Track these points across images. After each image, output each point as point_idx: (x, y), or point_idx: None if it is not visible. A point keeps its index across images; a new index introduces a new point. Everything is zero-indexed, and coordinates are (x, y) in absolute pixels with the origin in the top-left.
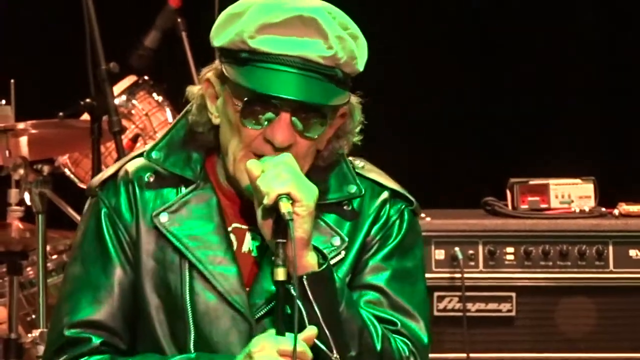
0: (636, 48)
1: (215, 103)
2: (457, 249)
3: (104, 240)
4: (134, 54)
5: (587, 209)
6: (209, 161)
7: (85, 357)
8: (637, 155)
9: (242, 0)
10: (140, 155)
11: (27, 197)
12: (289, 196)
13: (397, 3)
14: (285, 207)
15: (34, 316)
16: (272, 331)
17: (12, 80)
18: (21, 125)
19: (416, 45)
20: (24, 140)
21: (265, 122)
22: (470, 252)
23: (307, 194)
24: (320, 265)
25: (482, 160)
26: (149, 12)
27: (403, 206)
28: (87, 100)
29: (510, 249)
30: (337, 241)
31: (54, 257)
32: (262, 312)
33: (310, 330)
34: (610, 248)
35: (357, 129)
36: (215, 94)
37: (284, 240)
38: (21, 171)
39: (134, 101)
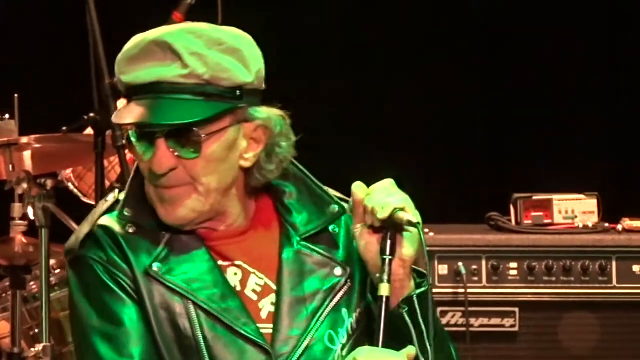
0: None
1: None
2: (460, 264)
3: (110, 288)
4: None
5: (590, 225)
6: None
7: None
8: None
9: None
10: (108, 211)
11: (30, 211)
12: (403, 210)
13: (402, 17)
14: (406, 215)
15: (37, 330)
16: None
17: (16, 95)
18: (25, 140)
19: (421, 62)
20: (27, 154)
21: (149, 155)
22: (474, 267)
23: (418, 213)
24: (418, 285)
25: (485, 175)
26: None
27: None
28: (91, 114)
29: (513, 264)
30: (338, 271)
31: (57, 271)
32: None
33: (410, 349)
34: (614, 263)
35: (287, 142)
36: None
37: (391, 257)
38: (25, 185)
39: None
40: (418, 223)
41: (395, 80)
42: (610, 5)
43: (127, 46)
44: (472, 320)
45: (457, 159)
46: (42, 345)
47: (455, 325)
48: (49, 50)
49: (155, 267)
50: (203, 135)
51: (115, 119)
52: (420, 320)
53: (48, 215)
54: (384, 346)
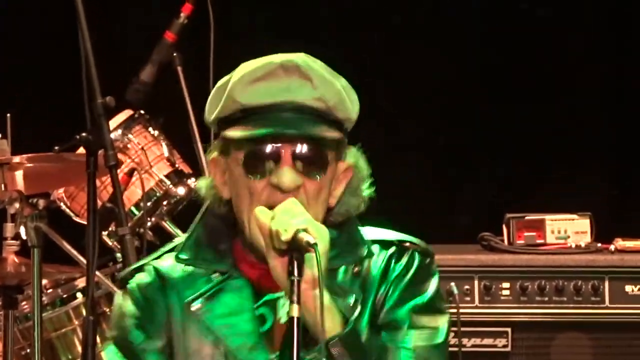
0: (637, 83)
1: (223, 179)
2: (452, 284)
3: (142, 322)
4: (130, 88)
5: (583, 245)
6: (237, 245)
7: None
8: (633, 191)
9: (226, 76)
10: (168, 252)
11: (22, 231)
12: (306, 231)
13: (408, 33)
14: (306, 236)
15: (29, 350)
16: None
17: (8, 114)
18: (17, 159)
19: (411, 76)
20: (19, 174)
21: (269, 170)
22: (466, 287)
23: (322, 233)
24: (343, 327)
25: (478, 195)
26: (145, 46)
27: (411, 251)
28: (83, 134)
29: (506, 284)
30: (351, 299)
31: (50, 291)
32: None
33: None
34: (606, 284)
35: (367, 182)
36: (222, 170)
37: (299, 278)
38: (17, 205)
39: (129, 135)
40: (315, 244)
41: (389, 99)
42: (611, 25)
43: (247, 69)
44: (465, 340)
45: (450, 179)
46: None
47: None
48: (41, 69)
49: (196, 305)
50: (330, 158)
51: (255, 132)
52: None
53: (40, 235)
54: None
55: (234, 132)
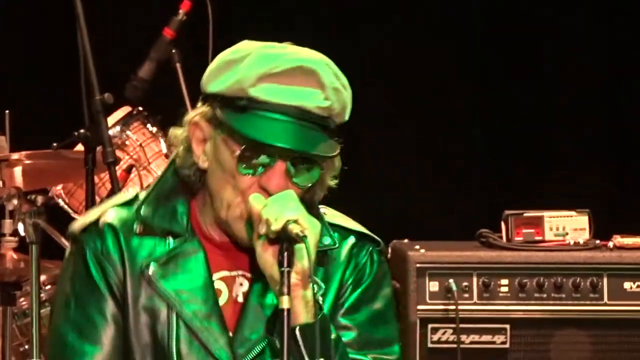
0: (636, 81)
1: (202, 146)
2: (451, 280)
3: (93, 280)
4: (129, 85)
5: (581, 241)
6: (194, 210)
7: None
8: (631, 187)
9: (237, 47)
10: (122, 205)
11: (20, 227)
12: (296, 222)
13: (402, 30)
14: (296, 228)
15: (27, 347)
16: None
17: (6, 111)
18: (15, 156)
19: (411, 77)
20: (18, 170)
21: (260, 169)
22: (465, 284)
23: (313, 224)
24: (315, 315)
25: (476, 192)
26: (143, 43)
27: (371, 248)
28: (82, 131)
29: (504, 281)
30: (314, 288)
31: (48, 287)
32: None
33: None
34: (605, 280)
35: (334, 175)
36: (203, 137)
37: (289, 269)
38: (15, 202)
39: (128, 132)
40: (305, 237)
41: (389, 97)
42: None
43: (263, 59)
44: (463, 337)
45: (448, 176)
46: None
47: (446, 342)
48: (39, 66)
49: (152, 269)
50: (323, 170)
51: (259, 136)
52: (306, 356)
53: (38, 231)
54: None
55: (235, 124)
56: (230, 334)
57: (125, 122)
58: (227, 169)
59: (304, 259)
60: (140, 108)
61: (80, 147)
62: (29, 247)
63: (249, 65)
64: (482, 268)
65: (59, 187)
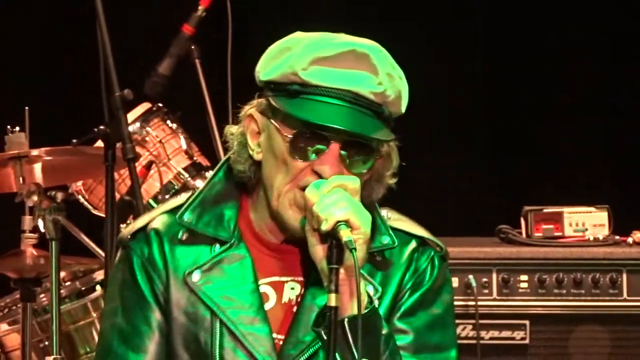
0: None
1: (257, 139)
2: (471, 276)
3: (139, 288)
4: (148, 81)
5: (601, 237)
6: (243, 214)
7: None
8: None
9: (290, 36)
10: (170, 212)
11: (40, 223)
12: (347, 223)
13: (423, 29)
14: (346, 234)
15: (47, 343)
16: None
17: (26, 108)
18: (35, 152)
19: (429, 71)
20: (38, 167)
21: (313, 155)
22: (484, 279)
23: (364, 221)
24: (365, 308)
25: (496, 188)
26: (163, 40)
27: (432, 253)
28: (101, 127)
29: (524, 277)
30: (370, 290)
31: (68, 283)
32: None
33: None
34: (624, 276)
35: (393, 172)
36: (257, 129)
37: (338, 266)
38: (35, 198)
39: (147, 128)
40: (354, 249)
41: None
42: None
43: (316, 43)
44: (483, 333)
45: (468, 171)
46: (52, 357)
47: (466, 337)
48: (59, 63)
49: (196, 275)
50: (376, 156)
51: (312, 118)
52: (353, 346)
53: (58, 227)
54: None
55: (288, 108)
56: (281, 336)
57: (145, 118)
58: (279, 156)
59: (352, 258)
60: (160, 104)
61: (100, 144)
62: (49, 243)
63: (301, 50)
64: (502, 264)
65: (79, 183)
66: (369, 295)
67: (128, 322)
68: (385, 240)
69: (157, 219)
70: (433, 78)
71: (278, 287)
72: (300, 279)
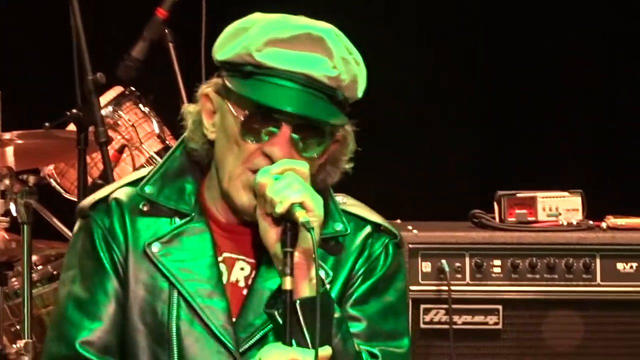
0: (629, 62)
1: (212, 119)
2: (443, 261)
3: (99, 258)
4: (121, 65)
5: (574, 222)
6: (202, 189)
7: None
8: (625, 168)
9: (247, 17)
10: (132, 184)
11: (12, 207)
12: (301, 205)
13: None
14: (302, 215)
15: (18, 327)
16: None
17: None
18: (7, 136)
19: (403, 56)
20: (9, 150)
21: (265, 137)
22: (457, 264)
23: (318, 204)
24: (318, 291)
25: (469, 172)
26: (136, 23)
27: (387, 240)
28: (74, 110)
29: (497, 262)
30: (322, 274)
31: (39, 267)
32: (246, 346)
33: (326, 350)
34: (598, 261)
35: (349, 157)
36: (212, 109)
37: (292, 250)
38: (7, 181)
39: (120, 112)
40: (312, 229)
41: (382, 76)
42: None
43: (271, 25)
44: (456, 318)
45: (441, 156)
46: (23, 341)
47: (439, 322)
48: (32, 46)
49: (155, 247)
50: (328, 140)
51: (264, 99)
52: (305, 329)
53: (30, 211)
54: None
55: (241, 89)
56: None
57: (117, 102)
58: (231, 136)
59: (307, 240)
60: (133, 88)
61: (72, 127)
62: (21, 227)
63: (256, 31)
64: (475, 249)
65: (51, 167)
66: (321, 280)
67: (85, 290)
68: (338, 227)
69: (118, 190)
70: (411, 62)
71: (229, 264)
72: (252, 260)
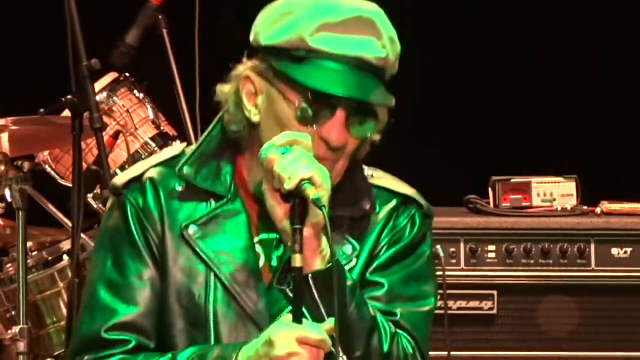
0: (622, 49)
1: (253, 100)
2: (438, 246)
3: (133, 239)
4: (115, 51)
5: (569, 207)
6: (238, 171)
7: (121, 356)
8: (619, 153)
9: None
10: (165, 163)
11: (7, 193)
12: (310, 180)
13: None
14: (312, 192)
15: (13, 312)
16: (289, 317)
17: None
18: (1, 122)
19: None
20: (4, 136)
21: (320, 122)
22: (452, 249)
23: (325, 177)
24: (327, 262)
25: (464, 158)
26: (130, 9)
27: (413, 211)
28: (68, 96)
29: (491, 247)
30: (348, 249)
31: (34, 253)
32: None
33: (330, 322)
34: (592, 246)
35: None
36: (254, 90)
37: (301, 226)
38: (1, 167)
39: (115, 98)
40: (323, 206)
41: None
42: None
43: (323, 11)
44: (450, 303)
45: (436, 141)
46: (18, 327)
47: (434, 309)
48: (26, 31)
49: (191, 229)
50: (379, 119)
51: (320, 85)
52: (319, 301)
53: (25, 197)
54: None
55: (295, 75)
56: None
57: (112, 88)
58: (285, 122)
59: (317, 216)
60: (127, 74)
61: (67, 113)
62: (16, 213)
63: (306, 15)
64: (470, 234)
65: (46, 153)
66: (331, 249)
67: (119, 273)
68: (367, 206)
69: (151, 169)
70: (403, 46)
71: (267, 246)
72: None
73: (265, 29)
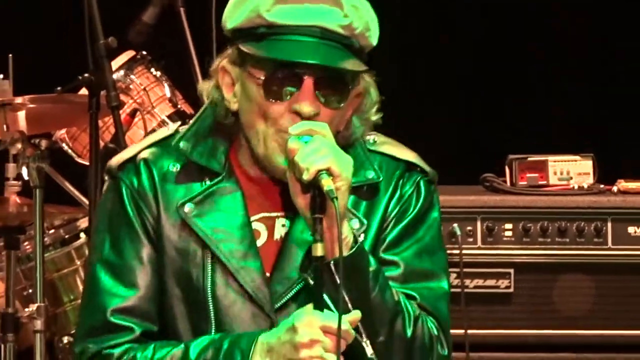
0: (636, 25)
1: (232, 90)
2: (455, 225)
3: (130, 220)
4: (132, 29)
5: (585, 186)
6: (233, 151)
7: (128, 345)
8: (636, 132)
9: None
10: (158, 143)
11: (24, 171)
12: (328, 171)
13: None
14: (327, 184)
15: (30, 290)
16: (310, 306)
17: (10, 55)
18: (19, 100)
19: (415, 25)
20: (21, 114)
21: (289, 95)
22: (469, 228)
23: (345, 167)
24: (350, 248)
25: (481, 136)
26: None
27: (418, 178)
28: (85, 75)
29: (508, 226)
30: (355, 224)
31: (51, 231)
32: (283, 300)
33: (355, 314)
34: (609, 225)
35: (375, 108)
36: (232, 81)
37: (322, 216)
38: (19, 145)
39: (132, 76)
40: (335, 198)
41: (390, 42)
42: None
43: None
44: (467, 282)
45: (452, 120)
46: (35, 305)
47: (450, 286)
48: (44, 10)
49: (187, 207)
50: (351, 89)
51: (282, 55)
52: (342, 288)
53: (42, 175)
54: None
55: (257, 50)
56: (268, 274)
57: (129, 66)
58: (256, 101)
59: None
60: (144, 52)
61: (84, 91)
62: (33, 191)
63: None
64: (486, 212)
65: (63, 131)
66: (353, 235)
67: (117, 255)
68: (370, 174)
69: (145, 150)
70: (417, 25)
71: (269, 224)
72: (290, 214)
73: (230, 13)
